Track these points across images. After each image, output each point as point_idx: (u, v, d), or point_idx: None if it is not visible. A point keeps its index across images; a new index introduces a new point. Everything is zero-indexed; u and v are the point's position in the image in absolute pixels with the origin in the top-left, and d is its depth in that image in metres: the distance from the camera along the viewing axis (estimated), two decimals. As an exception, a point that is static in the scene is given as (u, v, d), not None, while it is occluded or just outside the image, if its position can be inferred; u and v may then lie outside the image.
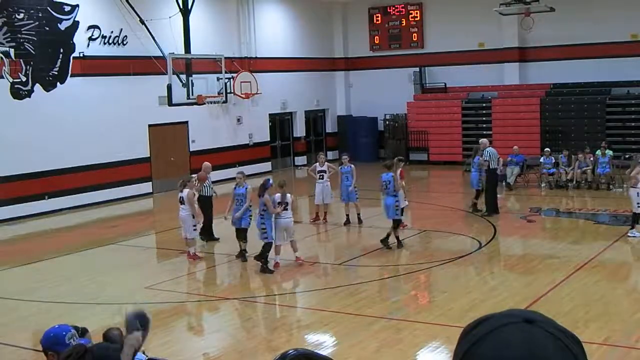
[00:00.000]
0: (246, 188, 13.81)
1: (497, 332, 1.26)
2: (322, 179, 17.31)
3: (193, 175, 15.73)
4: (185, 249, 14.48)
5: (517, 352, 1.22)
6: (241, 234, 13.91)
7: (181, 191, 14.26)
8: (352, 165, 17.18)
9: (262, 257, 13.10)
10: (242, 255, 13.87)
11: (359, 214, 17.04)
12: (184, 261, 14.29)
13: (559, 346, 1.24)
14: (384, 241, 14.56)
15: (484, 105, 27.59)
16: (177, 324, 10.81)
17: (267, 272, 13.02)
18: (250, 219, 13.91)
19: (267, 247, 13.13)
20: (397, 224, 14.63)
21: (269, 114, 28.00)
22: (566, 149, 22.07)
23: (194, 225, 14.20)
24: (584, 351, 1.29)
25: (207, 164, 16.19)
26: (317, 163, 17.77)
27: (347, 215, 17.19)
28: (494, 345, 1.25)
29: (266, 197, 12.98)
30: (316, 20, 30.09)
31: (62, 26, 20.48)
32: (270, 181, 13.50)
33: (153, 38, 22.30)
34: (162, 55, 22.09)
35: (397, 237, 14.56)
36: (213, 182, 16.16)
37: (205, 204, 15.40)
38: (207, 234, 15.66)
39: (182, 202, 14.20)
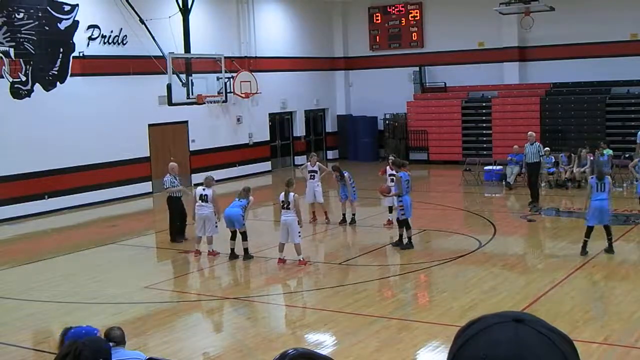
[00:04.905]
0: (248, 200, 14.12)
1: (486, 332, 1.28)
2: (313, 178, 17.30)
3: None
4: (202, 249, 14.49)
5: (505, 350, 1.23)
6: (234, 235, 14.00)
7: (203, 189, 14.32)
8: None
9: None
10: (233, 255, 13.99)
11: (353, 215, 16.99)
12: (184, 261, 14.30)
13: (547, 344, 1.25)
14: (399, 243, 14.48)
15: (484, 104, 27.58)
16: (177, 323, 10.81)
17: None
18: (244, 220, 13.96)
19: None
20: (406, 223, 14.49)
21: (269, 114, 28.00)
22: (567, 149, 22.05)
23: (216, 223, 14.25)
24: (576, 350, 1.29)
25: (173, 164, 16.15)
26: (309, 162, 17.78)
27: (343, 214, 17.19)
28: (482, 344, 1.26)
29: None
30: (316, 19, 30.08)
31: (62, 26, 20.47)
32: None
33: (153, 38, 22.29)
34: (162, 55, 22.08)
35: (410, 237, 14.47)
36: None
37: (176, 204, 15.67)
38: (177, 233, 15.78)
39: (205, 200, 14.22)
